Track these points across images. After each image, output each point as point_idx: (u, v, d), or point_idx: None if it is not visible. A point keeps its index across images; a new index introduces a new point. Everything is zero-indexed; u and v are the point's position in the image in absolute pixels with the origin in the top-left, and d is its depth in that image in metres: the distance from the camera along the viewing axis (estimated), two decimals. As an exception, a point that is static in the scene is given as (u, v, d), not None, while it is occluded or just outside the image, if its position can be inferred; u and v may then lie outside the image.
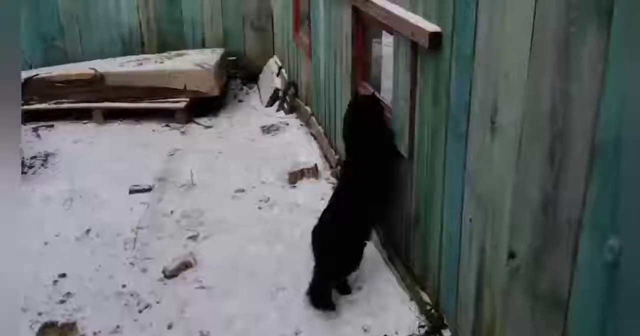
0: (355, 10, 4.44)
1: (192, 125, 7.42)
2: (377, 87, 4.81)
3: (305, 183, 5.43)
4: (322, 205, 4.21)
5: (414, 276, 3.84)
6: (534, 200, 2.24)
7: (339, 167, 5.01)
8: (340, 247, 3.81)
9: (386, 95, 4.29)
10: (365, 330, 3.62)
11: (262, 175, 5.74)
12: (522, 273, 2.41)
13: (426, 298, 3.62)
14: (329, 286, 3.81)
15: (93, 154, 6.51)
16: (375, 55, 5.22)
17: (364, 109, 4.04)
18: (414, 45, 3.32)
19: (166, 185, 5.61)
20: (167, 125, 7.43)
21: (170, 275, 4.31)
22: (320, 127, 6.12)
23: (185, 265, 4.38)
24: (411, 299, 3.80)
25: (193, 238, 4.75)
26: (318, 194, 5.10)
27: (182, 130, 7.26)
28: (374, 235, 4.35)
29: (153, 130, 7.29)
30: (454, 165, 3.01)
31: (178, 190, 5.53)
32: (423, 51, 3.24)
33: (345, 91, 5.02)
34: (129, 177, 5.79)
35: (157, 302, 4.04)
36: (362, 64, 4.67)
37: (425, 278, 3.63)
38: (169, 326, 3.78)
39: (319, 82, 6.03)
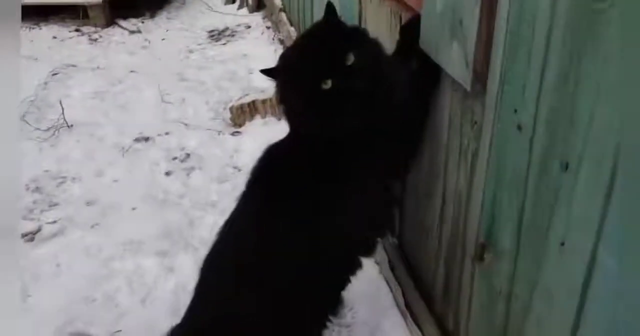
0: None
1: (114, 30, 4.98)
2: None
3: (257, 126, 3.06)
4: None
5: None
6: None
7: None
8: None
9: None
10: None
11: (187, 110, 3.37)
12: None
13: None
14: None
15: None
16: None
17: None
18: None
19: (24, 127, 3.25)
20: (78, 30, 5.01)
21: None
22: (292, 29, 3.69)
23: (-11, 304, 2.10)
24: None
25: (29, 236, 2.45)
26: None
27: (95, 36, 4.83)
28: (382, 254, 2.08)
29: (54, 37, 4.87)
30: None
31: (40, 135, 3.19)
32: None
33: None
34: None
35: None
36: None
37: None
38: None
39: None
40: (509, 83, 1.19)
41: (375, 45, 1.50)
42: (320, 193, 1.47)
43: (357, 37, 1.47)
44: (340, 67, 1.36)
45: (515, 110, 1.17)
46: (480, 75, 1.27)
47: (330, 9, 1.47)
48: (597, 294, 0.98)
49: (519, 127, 1.17)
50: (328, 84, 1.35)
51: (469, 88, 1.30)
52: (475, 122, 1.36)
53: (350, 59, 1.36)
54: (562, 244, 1.06)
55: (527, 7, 1.08)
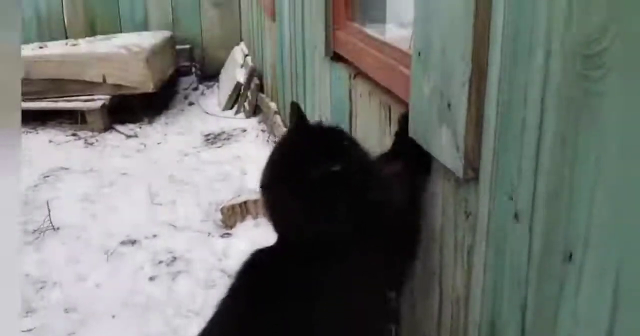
0: None
1: (111, 134, 5.00)
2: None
3: (248, 227, 2.96)
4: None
5: None
6: None
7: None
8: None
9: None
10: None
11: (176, 212, 3.28)
12: None
13: None
14: None
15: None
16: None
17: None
18: None
19: (8, 229, 3.13)
20: (75, 134, 5.02)
21: None
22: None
23: None
24: None
25: (-3, 346, 2.27)
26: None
27: (91, 140, 4.83)
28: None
29: (50, 141, 4.88)
30: None
31: (25, 238, 3.07)
32: None
33: (318, 57, 2.60)
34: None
35: None
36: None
37: None
38: None
39: (284, 52, 3.61)
40: (502, 167, 1.10)
41: (355, 140, 1.45)
42: (310, 304, 1.33)
43: (338, 130, 1.42)
44: (341, 151, 1.30)
45: (511, 197, 1.07)
46: (472, 161, 1.18)
47: (296, 109, 1.42)
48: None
49: (516, 216, 1.06)
50: (337, 167, 1.27)
51: (460, 176, 1.21)
52: (470, 213, 1.26)
53: (347, 144, 1.31)
54: (571, 348, 0.92)
55: (517, 83, 1.01)
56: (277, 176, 1.33)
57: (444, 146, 1.26)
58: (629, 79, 0.75)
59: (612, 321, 0.81)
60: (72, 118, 5.23)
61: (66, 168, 4.06)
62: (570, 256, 0.91)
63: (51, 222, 3.15)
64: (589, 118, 0.84)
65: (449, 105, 1.21)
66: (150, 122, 5.30)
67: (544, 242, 0.99)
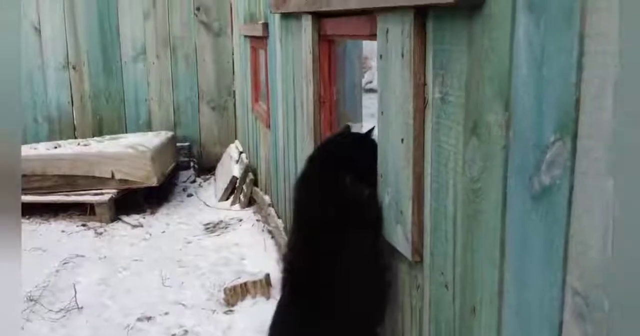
0: (317, 17, 2.72)
1: (118, 224, 5.52)
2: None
3: (248, 305, 3.46)
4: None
5: None
6: None
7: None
8: None
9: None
10: None
11: (185, 292, 3.78)
12: None
13: None
14: None
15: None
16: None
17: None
18: (421, 13, 1.54)
19: (37, 309, 3.62)
20: (84, 225, 5.54)
21: None
22: (280, 221, 4.24)
23: None
24: None
25: None
26: (266, 324, 3.08)
27: (100, 230, 5.35)
28: None
29: (62, 231, 5.38)
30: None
31: (52, 317, 3.55)
32: (443, 17, 1.45)
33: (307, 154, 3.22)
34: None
35: None
36: (330, 100, 2.90)
37: None
38: None
39: (277, 154, 4.24)
40: (436, 254, 1.67)
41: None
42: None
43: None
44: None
45: (442, 273, 1.64)
46: (418, 249, 1.76)
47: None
48: None
49: (446, 286, 1.62)
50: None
51: (411, 259, 1.78)
52: (419, 286, 1.82)
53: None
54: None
55: (441, 203, 1.60)
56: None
57: (400, 239, 1.84)
58: (493, 202, 1.34)
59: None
60: (81, 211, 5.76)
61: (82, 256, 4.57)
62: (474, 309, 1.47)
63: (76, 302, 3.64)
64: (477, 226, 1.42)
65: (401, 212, 1.80)
66: (152, 213, 5.84)
67: (461, 302, 1.55)
